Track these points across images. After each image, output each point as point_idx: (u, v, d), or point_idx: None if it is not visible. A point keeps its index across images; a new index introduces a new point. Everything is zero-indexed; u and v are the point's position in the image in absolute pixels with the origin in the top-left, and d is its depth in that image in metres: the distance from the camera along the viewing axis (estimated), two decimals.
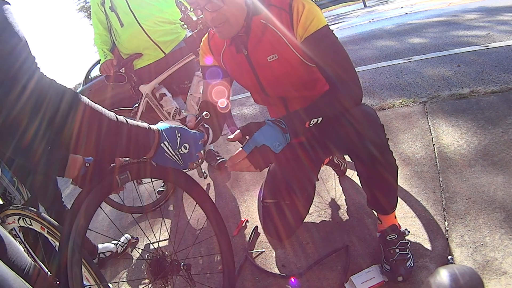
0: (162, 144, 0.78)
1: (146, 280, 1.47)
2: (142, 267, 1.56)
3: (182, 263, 1.03)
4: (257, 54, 1.06)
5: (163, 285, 1.00)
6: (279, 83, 1.10)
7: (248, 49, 1.06)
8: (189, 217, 1.81)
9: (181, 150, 0.82)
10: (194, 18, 1.66)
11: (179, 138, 0.81)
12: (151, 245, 1.67)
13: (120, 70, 1.96)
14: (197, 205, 1.11)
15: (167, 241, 1.69)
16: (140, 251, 1.69)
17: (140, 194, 2.06)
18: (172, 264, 1.02)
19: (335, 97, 0.95)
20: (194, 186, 1.10)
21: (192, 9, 1.01)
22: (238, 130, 0.94)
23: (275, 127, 0.90)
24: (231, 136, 0.94)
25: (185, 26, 2.03)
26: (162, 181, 2.16)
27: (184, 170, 1.04)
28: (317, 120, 0.92)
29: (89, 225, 0.84)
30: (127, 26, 1.88)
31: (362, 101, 1.01)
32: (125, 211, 1.96)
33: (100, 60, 2.00)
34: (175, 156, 0.81)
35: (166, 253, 1.05)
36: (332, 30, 0.98)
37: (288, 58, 1.03)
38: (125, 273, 1.56)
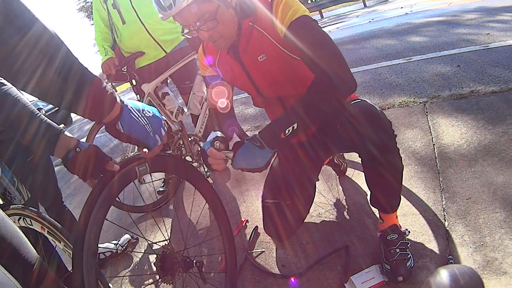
0: (125, 104, 0.74)
1: (150, 280, 1.47)
2: (145, 267, 1.56)
3: (194, 261, 1.02)
4: (248, 57, 1.06)
5: (170, 282, 0.99)
6: (273, 82, 1.10)
7: (240, 52, 1.06)
8: (189, 216, 1.81)
9: (146, 113, 0.79)
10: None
11: (139, 109, 0.78)
12: (155, 244, 1.67)
13: (122, 69, 1.96)
14: (197, 204, 1.10)
15: (175, 238, 1.68)
16: (148, 248, 1.68)
17: (147, 192, 2.06)
18: (184, 260, 1.01)
19: (318, 90, 0.90)
20: (204, 183, 1.09)
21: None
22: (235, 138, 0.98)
23: (251, 146, 0.93)
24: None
25: None
26: (163, 181, 2.16)
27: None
28: (292, 128, 0.89)
29: (102, 226, 0.81)
30: (128, 23, 1.87)
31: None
32: (125, 210, 1.96)
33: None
34: (142, 118, 0.77)
35: (174, 248, 1.04)
36: (314, 20, 0.95)
37: (277, 55, 1.03)
38: (127, 273, 1.56)
